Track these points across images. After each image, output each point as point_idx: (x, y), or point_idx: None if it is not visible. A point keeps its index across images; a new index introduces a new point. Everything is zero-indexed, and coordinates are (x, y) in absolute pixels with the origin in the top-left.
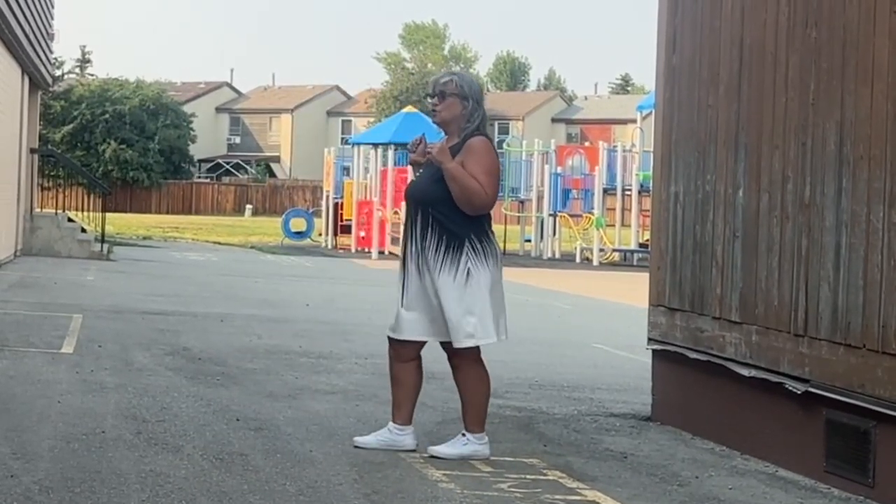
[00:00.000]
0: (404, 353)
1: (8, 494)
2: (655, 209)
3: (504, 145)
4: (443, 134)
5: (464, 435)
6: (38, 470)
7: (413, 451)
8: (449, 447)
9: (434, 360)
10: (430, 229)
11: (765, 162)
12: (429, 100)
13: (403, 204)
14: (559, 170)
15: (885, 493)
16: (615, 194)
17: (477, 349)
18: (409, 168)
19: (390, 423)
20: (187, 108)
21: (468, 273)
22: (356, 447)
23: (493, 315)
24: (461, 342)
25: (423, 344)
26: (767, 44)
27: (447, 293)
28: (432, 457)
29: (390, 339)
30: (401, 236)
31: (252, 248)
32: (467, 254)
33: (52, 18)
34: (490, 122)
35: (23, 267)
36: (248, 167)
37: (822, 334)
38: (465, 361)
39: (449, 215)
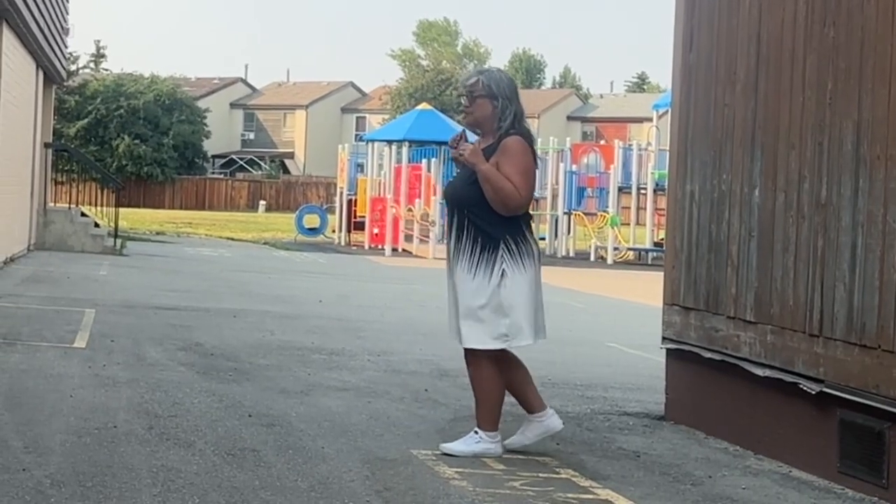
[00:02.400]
0: (468, 357)
1: (20, 488)
2: (671, 208)
3: None
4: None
5: (476, 433)
6: (49, 464)
7: (561, 430)
8: (461, 444)
9: (448, 357)
10: (465, 231)
11: (781, 161)
12: (461, 101)
13: (418, 201)
14: (574, 168)
15: None
16: (630, 193)
17: (496, 349)
18: (422, 164)
19: (529, 416)
20: (201, 104)
21: (503, 274)
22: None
23: (529, 316)
24: (467, 343)
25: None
26: (785, 42)
27: (467, 292)
28: (444, 454)
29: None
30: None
31: (265, 244)
32: (502, 255)
33: (67, 13)
34: None
35: (36, 261)
36: (261, 163)
37: (837, 335)
38: (482, 360)
39: (484, 217)
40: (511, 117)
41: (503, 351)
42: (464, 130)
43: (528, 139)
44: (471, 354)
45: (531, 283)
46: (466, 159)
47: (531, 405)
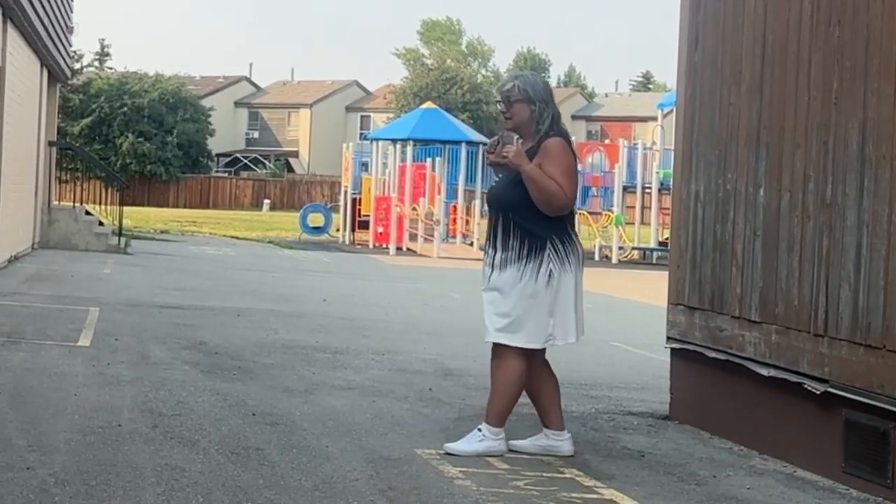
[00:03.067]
0: (531, 359)
1: (24, 487)
2: (676, 207)
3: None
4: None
5: (479, 430)
6: (54, 462)
7: (571, 456)
8: (465, 444)
9: (452, 356)
10: (510, 233)
11: (786, 161)
12: (498, 107)
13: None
14: (579, 167)
15: None
16: (635, 192)
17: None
18: (427, 163)
19: (545, 430)
20: (206, 103)
21: (550, 274)
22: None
23: (572, 315)
24: (493, 337)
25: (540, 350)
26: (790, 42)
27: (514, 293)
28: (447, 454)
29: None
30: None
31: (269, 242)
32: (549, 256)
33: (72, 11)
34: None
35: (40, 260)
36: (266, 162)
37: (842, 334)
38: (509, 354)
39: (530, 218)
40: (549, 120)
41: (540, 360)
42: (501, 136)
43: (567, 140)
44: (498, 346)
45: (576, 283)
46: (510, 161)
47: (551, 420)
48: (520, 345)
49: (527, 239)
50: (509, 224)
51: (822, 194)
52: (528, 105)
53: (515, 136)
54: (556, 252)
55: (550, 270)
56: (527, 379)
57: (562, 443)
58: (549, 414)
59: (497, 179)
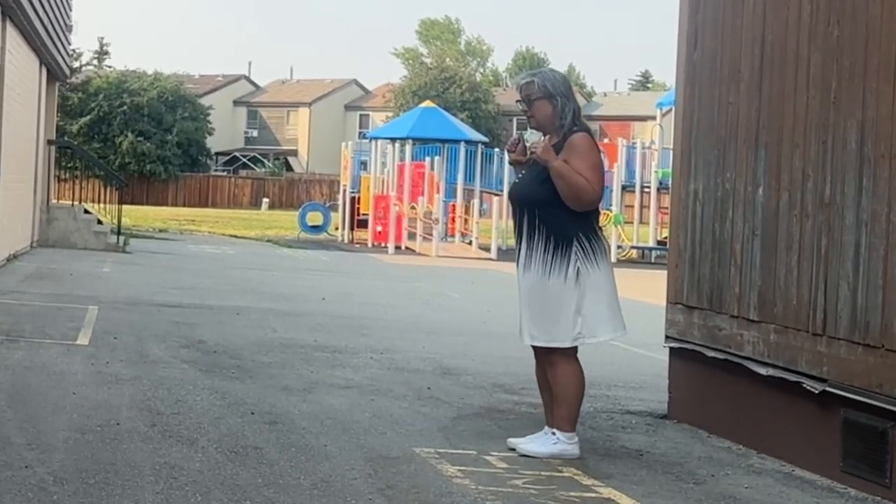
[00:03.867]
0: (540, 358)
1: (23, 485)
2: (674, 206)
3: None
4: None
5: (553, 434)
6: (52, 461)
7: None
8: (538, 445)
9: (451, 355)
10: (536, 231)
11: (785, 160)
12: (520, 106)
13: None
14: None
15: None
16: (634, 191)
17: (574, 347)
18: (426, 162)
19: (546, 427)
20: (205, 101)
21: (578, 272)
22: (518, 453)
23: (603, 313)
24: (540, 342)
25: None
26: (789, 41)
27: (542, 292)
28: (514, 451)
29: (532, 347)
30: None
31: (268, 241)
32: (576, 253)
33: (71, 10)
34: (508, 117)
35: (39, 258)
36: (265, 161)
37: (841, 334)
38: (559, 359)
39: (556, 214)
40: (571, 114)
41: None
42: (521, 134)
43: (590, 135)
44: (548, 354)
45: (605, 279)
46: (539, 156)
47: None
48: (544, 344)
49: (552, 236)
50: (535, 221)
51: (821, 193)
52: (549, 101)
53: (539, 134)
54: (584, 249)
55: (578, 268)
56: (539, 368)
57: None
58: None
59: (519, 177)
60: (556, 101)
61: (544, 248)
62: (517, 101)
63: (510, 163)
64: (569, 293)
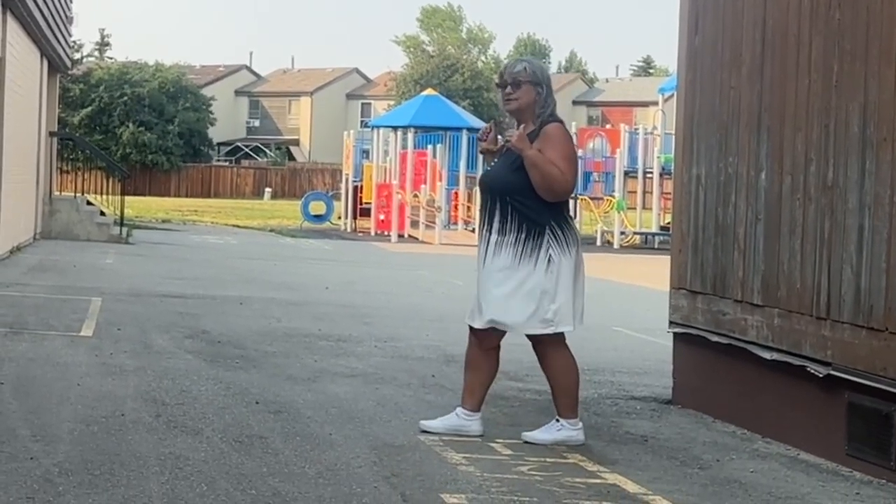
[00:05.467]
0: (485, 341)
1: (28, 476)
2: (677, 192)
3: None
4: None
5: (557, 421)
6: (57, 452)
7: (480, 436)
8: (543, 433)
9: (455, 343)
10: (509, 218)
11: (787, 144)
12: (501, 90)
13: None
14: (580, 152)
15: None
16: (636, 177)
17: (561, 335)
18: (428, 150)
19: (459, 409)
20: (206, 92)
21: (549, 260)
22: (423, 431)
23: (571, 302)
24: (481, 323)
25: (503, 333)
26: (790, 25)
27: (513, 279)
28: (526, 443)
29: (470, 327)
30: (477, 225)
31: (271, 231)
32: (548, 241)
33: (71, 1)
34: None
35: (42, 250)
36: (267, 150)
37: (845, 317)
38: (551, 348)
39: (528, 204)
40: (551, 106)
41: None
42: (492, 122)
43: (565, 126)
44: (539, 344)
45: (576, 268)
46: (513, 145)
47: (472, 401)
48: (513, 330)
49: (525, 224)
50: (507, 209)
51: (824, 177)
52: (535, 87)
53: (515, 123)
54: (556, 238)
55: (550, 256)
56: (477, 350)
57: (472, 422)
58: (474, 394)
59: (490, 166)
60: (541, 90)
61: (516, 236)
62: (497, 83)
63: (480, 152)
64: (540, 280)
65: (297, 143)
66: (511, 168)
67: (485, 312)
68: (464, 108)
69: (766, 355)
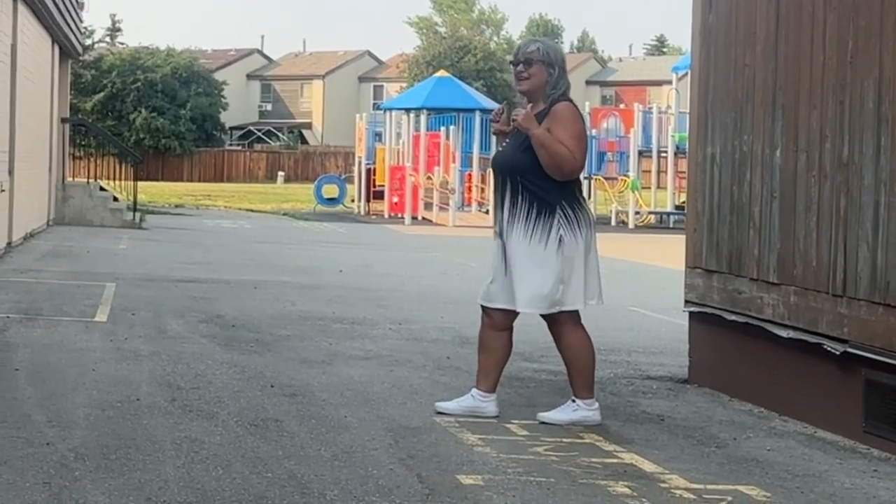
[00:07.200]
0: (499, 322)
1: (44, 462)
2: (692, 171)
3: None
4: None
5: (573, 401)
6: (73, 437)
7: (495, 417)
8: (559, 413)
9: (469, 324)
10: (520, 198)
11: (802, 121)
12: (514, 68)
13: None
14: (594, 132)
15: None
16: (651, 156)
17: (576, 314)
18: (441, 132)
19: (474, 390)
20: (218, 76)
21: (560, 240)
22: (438, 412)
23: (584, 282)
24: (531, 307)
25: (516, 314)
26: (804, 1)
27: (524, 259)
28: (542, 423)
29: (483, 307)
30: (491, 207)
31: (284, 215)
32: (559, 221)
33: None
34: None
35: (55, 236)
36: (279, 134)
37: (861, 294)
38: (567, 327)
39: (539, 183)
40: (563, 88)
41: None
42: (505, 102)
43: (575, 106)
44: (554, 324)
45: (587, 248)
46: (520, 124)
47: (487, 382)
48: (520, 309)
49: (536, 203)
50: (517, 189)
51: (839, 154)
52: (547, 68)
53: (527, 104)
54: (567, 218)
55: (561, 236)
56: (491, 332)
57: (488, 404)
58: (489, 375)
59: (502, 147)
60: (552, 71)
61: (527, 214)
62: (511, 62)
63: (493, 132)
64: (551, 260)
65: (309, 126)
66: (520, 148)
67: (495, 296)
68: (476, 89)
69: (783, 333)
